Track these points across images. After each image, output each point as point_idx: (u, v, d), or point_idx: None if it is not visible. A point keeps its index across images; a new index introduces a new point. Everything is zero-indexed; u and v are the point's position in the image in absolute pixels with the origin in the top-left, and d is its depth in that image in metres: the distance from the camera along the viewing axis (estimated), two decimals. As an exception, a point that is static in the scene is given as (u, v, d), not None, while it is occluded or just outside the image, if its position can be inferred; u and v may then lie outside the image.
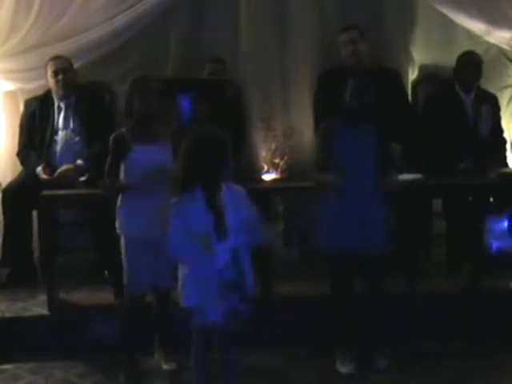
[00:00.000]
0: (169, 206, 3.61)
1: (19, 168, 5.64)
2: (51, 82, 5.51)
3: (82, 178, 5.37)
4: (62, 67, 5.48)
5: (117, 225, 4.26)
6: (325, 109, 5.38)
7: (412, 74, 6.14)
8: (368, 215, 4.25)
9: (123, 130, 4.26)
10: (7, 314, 4.79)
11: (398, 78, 5.82)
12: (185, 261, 3.60)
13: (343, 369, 4.35)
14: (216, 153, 3.56)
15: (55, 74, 5.47)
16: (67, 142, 5.53)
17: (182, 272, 3.65)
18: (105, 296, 4.88)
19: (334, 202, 4.31)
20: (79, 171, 5.37)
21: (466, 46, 5.84)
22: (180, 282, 3.66)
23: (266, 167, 5.69)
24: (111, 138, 4.26)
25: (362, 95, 4.29)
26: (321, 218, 4.39)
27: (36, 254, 5.36)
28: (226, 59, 5.83)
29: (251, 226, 3.60)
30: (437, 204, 5.54)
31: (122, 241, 4.24)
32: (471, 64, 5.65)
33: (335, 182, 4.25)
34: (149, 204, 4.08)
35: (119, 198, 4.25)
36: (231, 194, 3.61)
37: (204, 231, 3.53)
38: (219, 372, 3.79)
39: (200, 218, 3.54)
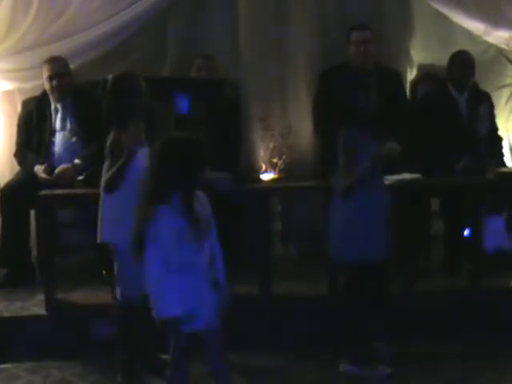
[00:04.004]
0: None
1: (17, 168, 5.63)
2: (46, 85, 5.51)
3: (80, 177, 5.36)
4: (58, 72, 5.47)
5: (105, 235, 4.18)
6: (326, 108, 5.39)
7: (411, 74, 6.14)
8: (381, 220, 4.24)
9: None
10: (5, 314, 4.79)
11: (398, 79, 5.84)
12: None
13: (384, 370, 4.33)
14: (194, 158, 3.49)
15: (50, 78, 5.46)
16: (65, 143, 5.53)
17: (159, 282, 3.49)
18: (103, 296, 4.86)
19: (343, 208, 4.28)
20: (77, 170, 5.36)
21: (465, 46, 5.86)
22: (156, 293, 3.51)
23: (264, 167, 5.68)
24: (108, 143, 4.15)
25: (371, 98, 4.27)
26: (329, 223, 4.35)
27: (34, 253, 5.36)
28: (224, 59, 5.83)
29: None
30: (435, 203, 5.55)
31: (116, 250, 4.17)
32: (464, 63, 5.67)
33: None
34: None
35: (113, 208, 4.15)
36: (198, 199, 3.56)
37: (184, 238, 3.48)
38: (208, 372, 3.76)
39: (179, 225, 3.47)
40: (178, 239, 3.45)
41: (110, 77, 4.25)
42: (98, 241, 4.18)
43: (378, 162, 4.26)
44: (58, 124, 5.55)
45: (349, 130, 4.26)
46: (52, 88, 5.48)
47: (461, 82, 5.67)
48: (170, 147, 3.54)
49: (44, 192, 4.84)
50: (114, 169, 4.02)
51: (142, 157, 4.04)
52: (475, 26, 5.94)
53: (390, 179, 4.68)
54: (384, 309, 4.38)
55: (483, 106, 5.51)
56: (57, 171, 5.33)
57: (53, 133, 5.54)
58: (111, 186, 4.03)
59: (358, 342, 4.35)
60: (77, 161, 5.39)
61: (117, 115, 4.11)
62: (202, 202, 3.56)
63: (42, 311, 4.76)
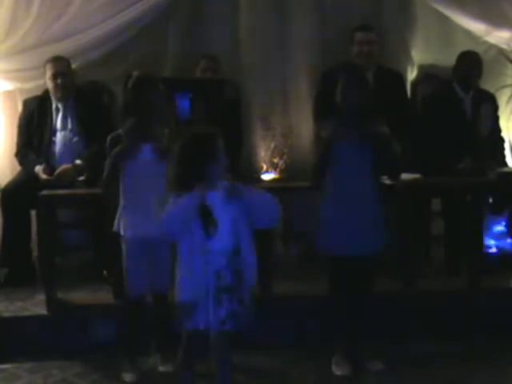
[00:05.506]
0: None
1: (18, 168, 5.62)
2: (49, 84, 5.51)
3: (81, 178, 5.37)
4: (61, 71, 5.47)
5: (116, 225, 4.25)
6: (325, 108, 5.39)
7: (411, 74, 6.15)
8: (363, 217, 4.23)
9: (120, 130, 4.23)
10: (6, 314, 4.78)
11: (400, 80, 5.88)
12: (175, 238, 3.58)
13: (338, 371, 4.35)
14: (208, 152, 3.51)
15: (54, 77, 5.47)
16: (66, 143, 5.53)
17: (178, 268, 3.59)
18: (103, 296, 4.89)
19: (330, 204, 4.30)
20: (78, 170, 5.37)
21: (466, 46, 5.85)
22: (177, 279, 3.60)
23: (264, 167, 5.67)
24: (108, 139, 4.24)
25: (351, 93, 4.26)
26: (318, 219, 4.37)
27: (34, 253, 5.36)
28: (225, 59, 5.84)
29: (257, 213, 3.56)
30: (436, 203, 5.54)
31: (123, 241, 4.22)
32: (472, 64, 5.65)
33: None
34: (147, 205, 4.08)
35: (121, 200, 4.22)
36: (228, 193, 3.53)
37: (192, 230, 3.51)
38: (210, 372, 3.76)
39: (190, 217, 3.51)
40: (186, 232, 3.50)
41: (133, 73, 4.27)
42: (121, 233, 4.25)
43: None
44: (58, 124, 5.55)
45: (326, 129, 4.35)
46: (56, 86, 5.48)
47: (467, 82, 5.66)
48: (186, 143, 3.57)
49: (45, 192, 4.83)
50: (107, 160, 4.16)
51: (142, 154, 4.13)
52: (476, 26, 5.95)
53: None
54: (369, 308, 4.39)
55: (484, 107, 5.51)
56: (57, 172, 5.33)
57: (54, 132, 5.54)
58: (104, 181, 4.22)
59: (342, 341, 4.38)
60: (78, 161, 5.40)
61: (134, 112, 4.17)
62: (226, 195, 3.53)
63: (43, 311, 4.75)
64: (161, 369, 4.38)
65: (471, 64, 5.64)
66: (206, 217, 3.48)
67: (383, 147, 4.22)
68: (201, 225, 3.48)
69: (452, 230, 5.38)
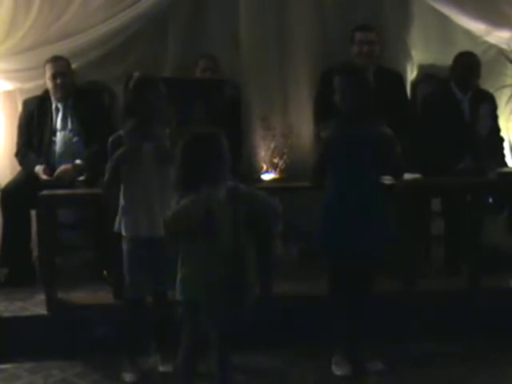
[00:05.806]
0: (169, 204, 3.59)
1: (18, 168, 5.63)
2: (49, 84, 5.52)
3: (81, 178, 5.37)
4: (61, 71, 5.48)
5: (117, 225, 4.25)
6: (326, 108, 5.39)
7: (411, 74, 6.15)
8: (364, 218, 4.23)
9: (121, 132, 4.23)
10: (6, 314, 4.77)
11: (400, 81, 5.88)
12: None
13: (338, 371, 4.35)
14: (211, 152, 3.52)
15: (53, 77, 5.47)
16: (66, 143, 5.54)
17: (180, 268, 3.61)
18: (103, 296, 4.89)
19: (330, 204, 4.30)
20: (78, 171, 5.37)
21: (465, 46, 5.85)
22: (178, 279, 3.61)
23: (265, 167, 5.67)
24: (109, 141, 4.24)
25: (351, 93, 4.26)
26: (320, 219, 4.37)
27: (34, 253, 5.36)
28: (224, 59, 5.85)
29: (258, 215, 3.59)
30: (436, 203, 5.54)
31: (124, 241, 4.23)
32: (470, 65, 5.64)
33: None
34: (149, 204, 4.09)
35: (121, 199, 4.23)
36: (230, 194, 3.55)
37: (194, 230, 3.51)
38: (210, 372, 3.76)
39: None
40: (188, 232, 3.50)
41: (134, 74, 4.28)
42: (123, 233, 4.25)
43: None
44: (58, 124, 5.55)
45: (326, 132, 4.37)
46: (55, 86, 5.49)
47: (465, 83, 5.66)
48: (189, 143, 3.57)
49: (45, 192, 4.84)
50: (108, 164, 4.15)
51: (143, 155, 4.14)
52: (476, 26, 5.95)
53: (389, 179, 4.68)
54: (369, 308, 4.38)
55: (483, 106, 5.51)
56: (57, 172, 5.34)
57: (54, 132, 5.54)
58: (105, 184, 4.24)
59: (342, 341, 4.38)
60: (78, 161, 5.40)
61: (134, 113, 4.18)
62: (232, 197, 3.54)
63: (42, 311, 4.75)
64: (161, 369, 4.38)
65: (468, 65, 5.64)
66: (209, 217, 3.49)
67: (387, 148, 4.23)
68: (203, 225, 3.49)
69: (452, 230, 5.38)
